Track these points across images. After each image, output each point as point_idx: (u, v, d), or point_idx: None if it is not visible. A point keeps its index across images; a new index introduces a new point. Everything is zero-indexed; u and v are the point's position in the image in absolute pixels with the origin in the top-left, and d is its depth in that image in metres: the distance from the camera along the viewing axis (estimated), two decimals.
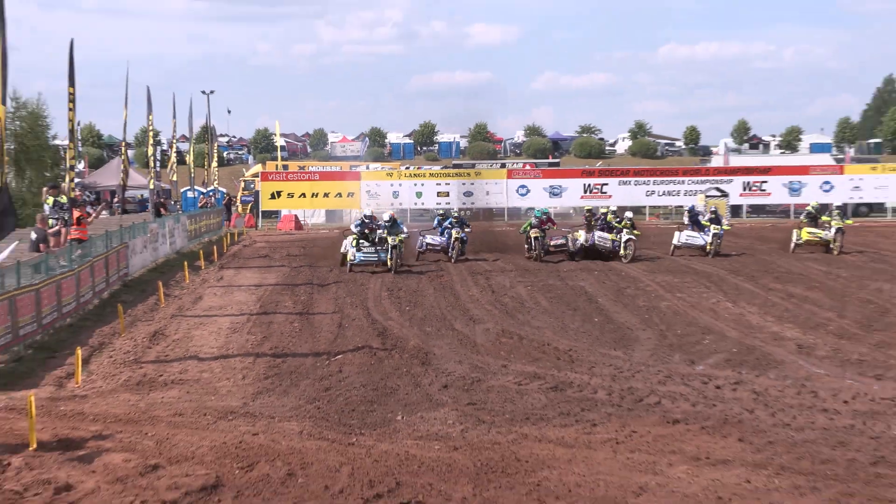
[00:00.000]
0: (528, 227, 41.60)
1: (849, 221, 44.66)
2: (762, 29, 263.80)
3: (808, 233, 44.77)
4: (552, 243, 41.87)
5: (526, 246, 41.94)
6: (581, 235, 44.11)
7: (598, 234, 44.01)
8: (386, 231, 37.79)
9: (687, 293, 32.22)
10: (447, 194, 73.17)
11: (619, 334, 25.50)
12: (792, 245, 45.20)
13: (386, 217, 40.49)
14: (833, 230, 44.34)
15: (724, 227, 46.26)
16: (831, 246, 44.31)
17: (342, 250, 41.60)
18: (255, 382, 20.37)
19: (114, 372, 21.59)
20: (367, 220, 41.41)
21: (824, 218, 45.21)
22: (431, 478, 13.92)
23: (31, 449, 15.24)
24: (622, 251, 43.39)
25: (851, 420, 17.05)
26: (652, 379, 20.31)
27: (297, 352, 23.62)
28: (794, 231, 45.83)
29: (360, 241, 40.21)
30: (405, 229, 37.95)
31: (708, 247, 44.69)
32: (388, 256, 36.04)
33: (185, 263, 40.97)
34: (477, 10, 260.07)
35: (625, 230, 43.97)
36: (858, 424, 16.78)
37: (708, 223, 45.11)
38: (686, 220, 46.52)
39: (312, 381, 20.40)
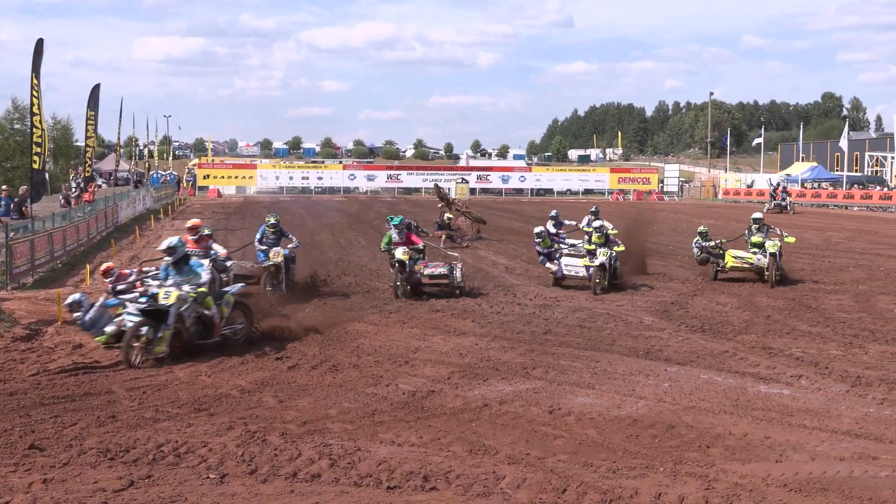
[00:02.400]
0: (389, 243, 19.08)
1: (791, 240, 21.37)
2: (488, 88, 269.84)
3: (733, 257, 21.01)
4: (426, 272, 18.98)
5: (391, 271, 19.04)
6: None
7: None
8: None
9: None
10: (308, 178, 74.06)
11: None
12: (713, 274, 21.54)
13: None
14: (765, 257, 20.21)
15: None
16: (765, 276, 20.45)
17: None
18: None
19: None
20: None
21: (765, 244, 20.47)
22: (296, 343, 13.82)
23: (58, 323, 14.80)
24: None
25: (533, 310, 17.34)
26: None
27: None
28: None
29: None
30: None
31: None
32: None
33: (152, 216, 40.24)
34: (326, 72, 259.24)
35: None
36: (538, 312, 17.08)
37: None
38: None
39: None
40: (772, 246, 20.45)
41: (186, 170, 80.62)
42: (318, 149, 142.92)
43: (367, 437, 9.15)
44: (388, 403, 10.53)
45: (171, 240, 13.65)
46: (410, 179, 74.66)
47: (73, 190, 38.54)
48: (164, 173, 76.43)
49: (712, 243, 22.29)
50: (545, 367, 12.45)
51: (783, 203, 53.23)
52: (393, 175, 76.01)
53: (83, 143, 35.93)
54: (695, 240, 23.12)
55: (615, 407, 10.44)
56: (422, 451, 8.74)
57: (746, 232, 21.70)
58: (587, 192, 77.87)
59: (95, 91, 33.57)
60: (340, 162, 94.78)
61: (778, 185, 58.55)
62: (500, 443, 9.05)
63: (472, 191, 74.22)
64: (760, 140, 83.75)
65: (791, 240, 21.08)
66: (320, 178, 74.68)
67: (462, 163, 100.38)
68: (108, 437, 8.96)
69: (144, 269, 15.87)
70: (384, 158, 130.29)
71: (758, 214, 22.23)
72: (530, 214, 44.95)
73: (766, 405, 10.55)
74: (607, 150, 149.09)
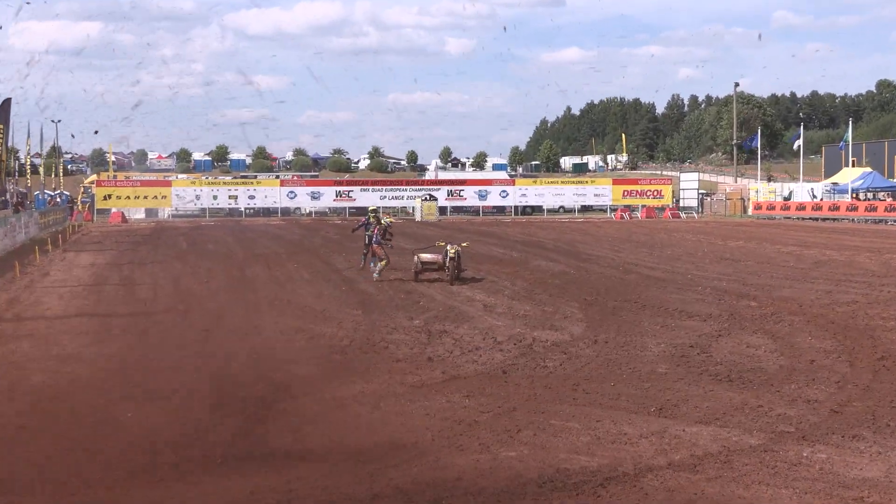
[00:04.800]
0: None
1: None
2: (459, 83, 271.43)
3: None
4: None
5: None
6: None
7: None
8: None
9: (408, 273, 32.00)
10: (236, 197, 74.47)
11: (361, 298, 25.40)
12: None
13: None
14: None
15: None
16: None
17: None
18: (87, 335, 19.83)
19: None
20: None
21: None
22: None
23: None
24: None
25: (517, 357, 17.20)
26: (383, 330, 20.30)
27: (121, 312, 23.08)
28: None
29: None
30: None
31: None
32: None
33: (37, 248, 40.18)
34: (258, 64, 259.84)
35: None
36: (523, 359, 16.94)
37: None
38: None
39: (131, 334, 19.93)
40: None
41: (82, 189, 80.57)
42: (249, 161, 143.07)
43: None
44: None
45: None
46: (365, 197, 74.93)
47: None
48: (52, 193, 76.27)
49: None
50: (533, 428, 12.35)
51: None
52: (343, 192, 76.48)
53: None
54: None
55: (621, 477, 10.34)
56: None
57: None
58: (585, 209, 78.30)
59: None
60: (277, 176, 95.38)
61: None
62: None
63: (443, 210, 74.47)
64: (799, 141, 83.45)
65: None
66: (252, 198, 75.07)
67: (429, 176, 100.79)
68: None
69: None
70: (332, 172, 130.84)
71: None
72: (515, 238, 45.08)
73: (811, 474, 10.48)
74: (609, 157, 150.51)
